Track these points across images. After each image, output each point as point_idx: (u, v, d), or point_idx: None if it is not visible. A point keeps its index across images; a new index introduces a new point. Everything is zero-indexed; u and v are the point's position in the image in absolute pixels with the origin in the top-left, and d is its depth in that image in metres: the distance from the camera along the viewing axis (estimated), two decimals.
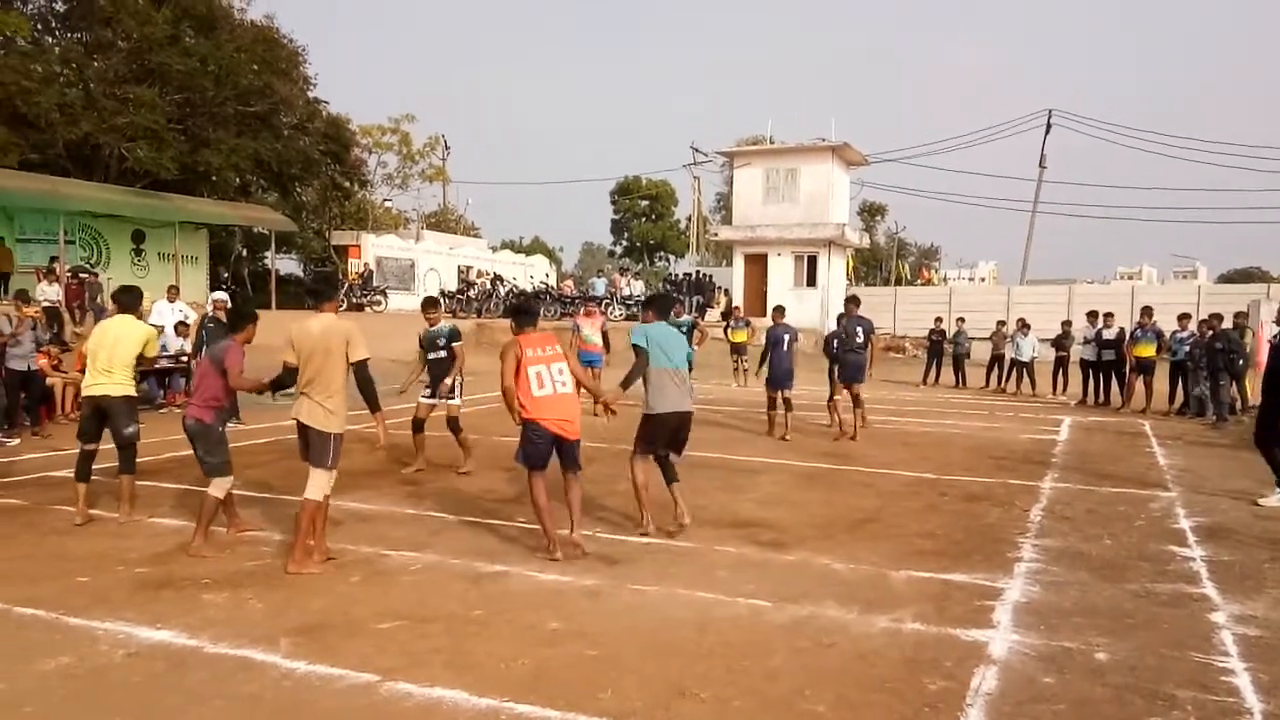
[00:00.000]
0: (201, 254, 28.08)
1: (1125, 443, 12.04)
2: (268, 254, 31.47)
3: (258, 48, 30.35)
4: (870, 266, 64.72)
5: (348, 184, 39.13)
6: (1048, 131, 42.14)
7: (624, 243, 72.19)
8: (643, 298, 31.20)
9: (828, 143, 32.70)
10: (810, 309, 30.48)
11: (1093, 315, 16.99)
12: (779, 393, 11.94)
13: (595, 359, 13.14)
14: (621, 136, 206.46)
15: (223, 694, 3.91)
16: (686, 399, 6.71)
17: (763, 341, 12.49)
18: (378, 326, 17.71)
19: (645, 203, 69.99)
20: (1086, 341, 16.89)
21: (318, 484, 5.69)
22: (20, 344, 10.74)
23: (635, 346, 6.62)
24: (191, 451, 6.42)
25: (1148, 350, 15.58)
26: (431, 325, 9.05)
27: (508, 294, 31.19)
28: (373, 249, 33.27)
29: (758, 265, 33.04)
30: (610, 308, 28.14)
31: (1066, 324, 19.55)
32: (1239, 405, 14.54)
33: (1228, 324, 14.54)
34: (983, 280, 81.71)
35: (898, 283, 50.26)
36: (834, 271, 33.05)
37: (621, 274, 35.63)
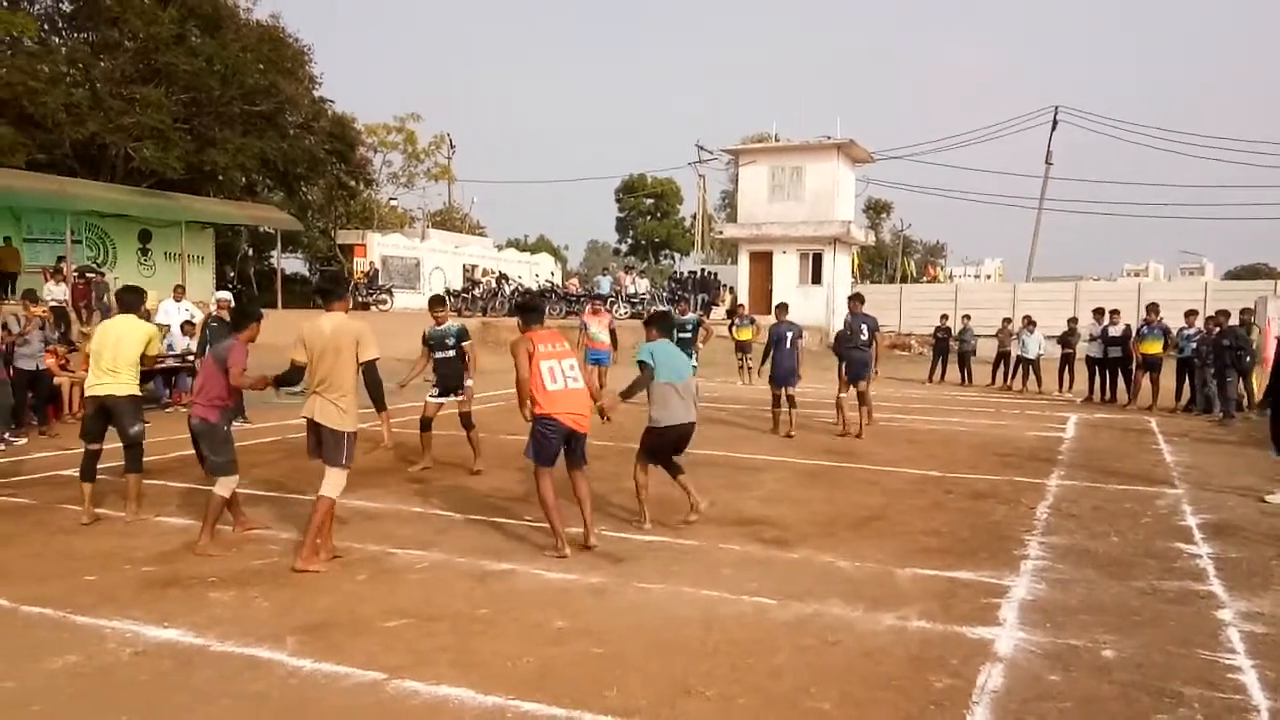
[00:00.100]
0: (208, 253, 28.12)
1: (1132, 440, 12.00)
2: (274, 253, 31.50)
3: (263, 47, 30.37)
4: (876, 264, 64.69)
5: (353, 183, 39.13)
6: (1054, 128, 42.09)
7: (629, 241, 72.21)
8: (648, 296, 31.54)
9: (833, 140, 32.63)
10: (816, 307, 30.45)
11: (1099, 312, 16.94)
12: (782, 390, 11.94)
13: (603, 356, 13.14)
14: (622, 137, 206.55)
15: (229, 692, 3.92)
16: (690, 410, 6.78)
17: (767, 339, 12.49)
18: (383, 325, 17.67)
19: (650, 201, 70.00)
20: (1093, 338, 16.84)
21: (334, 482, 5.74)
22: (29, 344, 10.79)
23: (641, 363, 6.65)
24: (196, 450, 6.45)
25: (1154, 347, 15.53)
26: (439, 324, 9.05)
27: (513, 292, 31.21)
28: (378, 248, 33.30)
29: (763, 263, 33.00)
30: (616, 306, 28.14)
31: (1073, 321, 19.51)
32: (1245, 402, 14.49)
33: (1234, 321, 14.49)
34: (988, 277, 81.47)
35: (903, 280, 50.21)
36: (839, 269, 33.00)
37: (626, 272, 35.64)
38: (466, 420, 9.05)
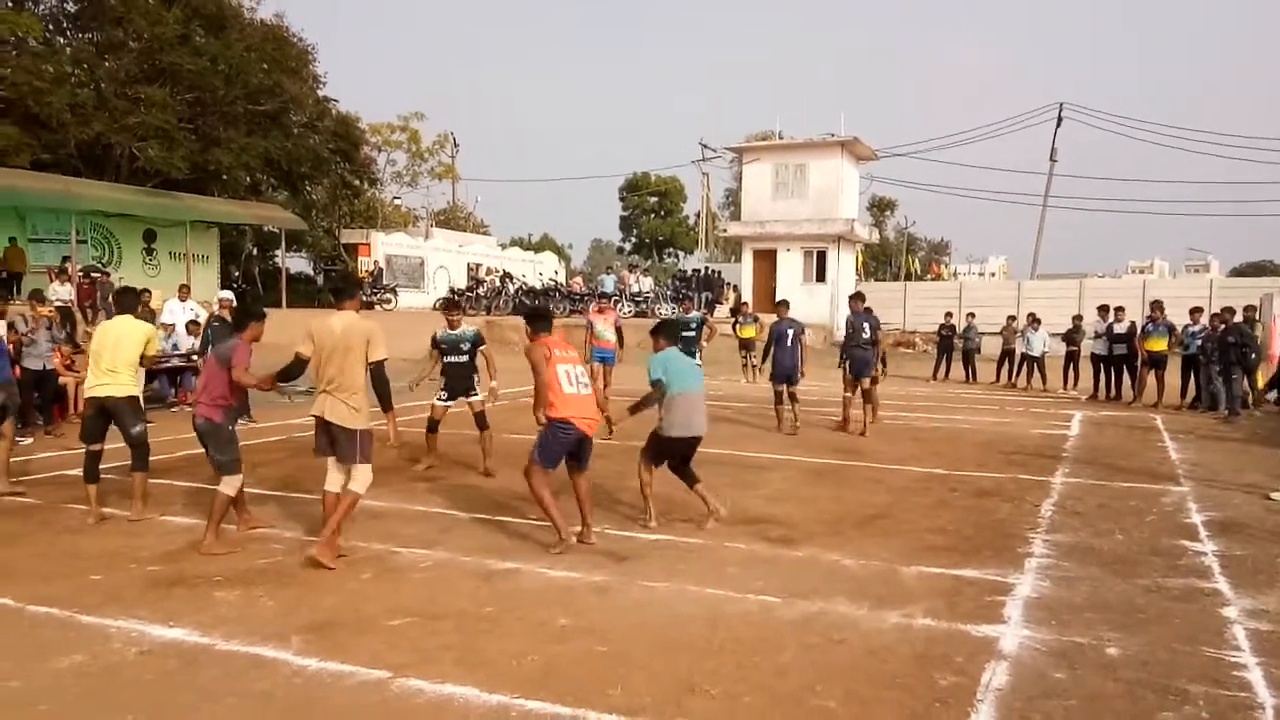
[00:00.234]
0: (212, 253, 28.17)
1: (1137, 437, 11.98)
2: (278, 252, 31.58)
3: (267, 47, 30.41)
4: (880, 262, 64.62)
5: (357, 182, 39.20)
6: (1059, 124, 42.03)
7: (633, 239, 72.23)
8: (652, 294, 31.51)
9: (837, 138, 32.61)
10: (820, 304, 30.43)
11: (1103, 309, 16.91)
12: (784, 387, 11.95)
13: (609, 355, 13.13)
14: (625, 135, 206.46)
15: (235, 691, 3.93)
16: (701, 422, 6.80)
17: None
18: (387, 325, 17.69)
19: (654, 199, 70.00)
20: (1098, 336, 16.80)
21: (362, 478, 5.85)
22: (36, 343, 10.82)
23: (654, 382, 6.66)
24: (203, 450, 6.47)
25: (1159, 344, 15.49)
26: (452, 328, 8.94)
27: (517, 291, 31.22)
28: (382, 247, 33.32)
29: (767, 261, 32.98)
30: (620, 304, 28.13)
31: (1078, 318, 19.48)
32: (1250, 399, 14.45)
33: (1239, 318, 14.45)
34: (993, 275, 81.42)
35: (908, 278, 50.14)
36: (843, 267, 32.98)
37: (630, 270, 35.63)
38: (481, 420, 8.98)
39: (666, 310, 27.85)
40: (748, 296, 29.66)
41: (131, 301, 7.37)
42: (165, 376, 13.80)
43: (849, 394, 12.22)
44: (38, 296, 11.93)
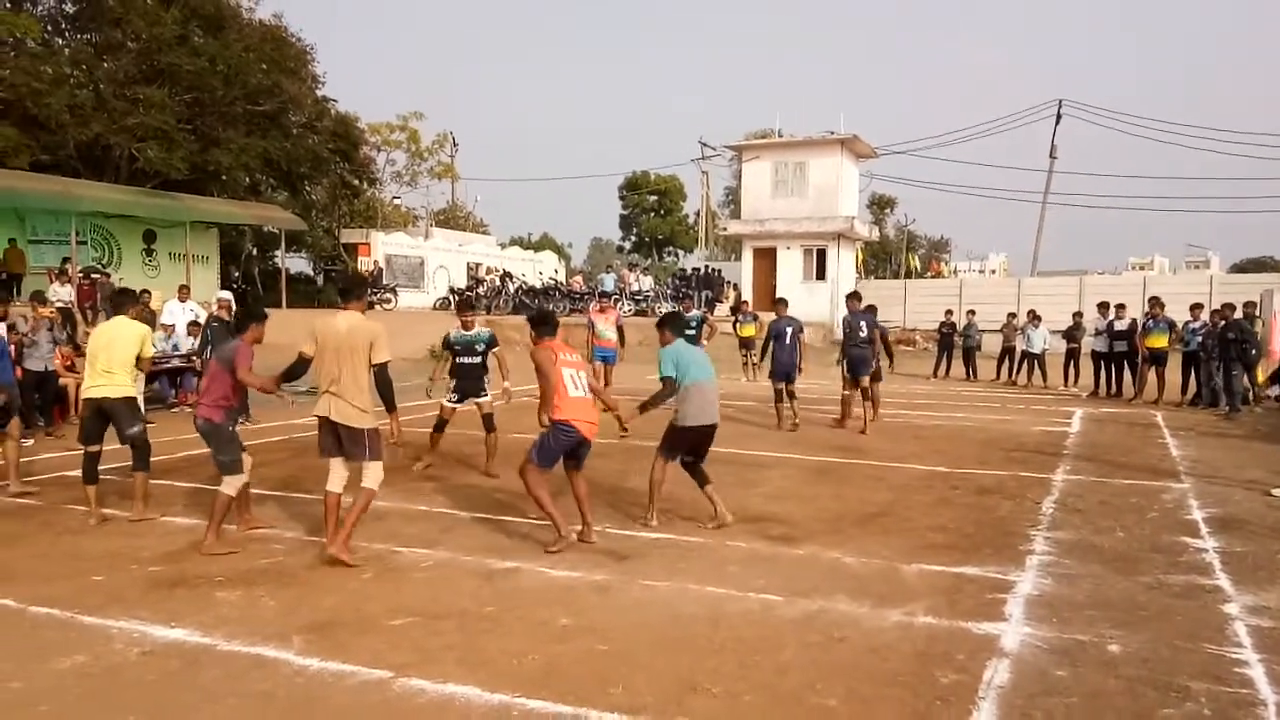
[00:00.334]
0: (212, 253, 28.18)
1: (1137, 434, 11.98)
2: (278, 253, 31.57)
3: (266, 47, 30.41)
4: (880, 259, 64.58)
5: (357, 182, 39.21)
6: (1058, 121, 41.97)
7: (633, 238, 72.20)
8: (652, 293, 31.51)
9: (836, 135, 32.57)
10: (820, 302, 30.42)
11: (1103, 306, 16.89)
12: (783, 385, 11.97)
13: (610, 355, 13.12)
14: (624, 135, 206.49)
15: (236, 691, 3.93)
16: (715, 411, 6.83)
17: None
18: (387, 324, 17.71)
19: (654, 198, 69.95)
20: (1098, 333, 16.80)
21: (373, 475, 5.88)
22: (38, 345, 10.82)
23: (666, 378, 6.69)
24: (205, 450, 6.48)
25: (1160, 341, 15.48)
26: (466, 329, 8.86)
27: (517, 291, 31.23)
28: (382, 247, 33.34)
29: (767, 259, 32.97)
30: (620, 303, 28.13)
31: (1078, 315, 19.47)
32: (1251, 395, 14.45)
33: (1239, 314, 14.45)
34: (993, 272, 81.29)
35: (908, 275, 50.09)
36: (843, 265, 32.96)
37: (630, 269, 35.64)
38: (489, 423, 8.90)
39: (667, 309, 27.85)
40: (748, 295, 29.65)
41: (124, 302, 7.38)
42: (166, 377, 13.80)
43: (847, 392, 12.24)
44: (39, 298, 11.94)
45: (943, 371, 21.24)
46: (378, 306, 28.81)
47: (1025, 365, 19.26)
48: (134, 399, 7.10)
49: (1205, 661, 4.26)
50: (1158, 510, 7.47)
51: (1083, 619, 4.83)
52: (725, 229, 38.46)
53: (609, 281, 32.43)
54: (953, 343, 21.34)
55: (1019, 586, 5.40)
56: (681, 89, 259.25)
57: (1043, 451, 10.44)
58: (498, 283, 32.30)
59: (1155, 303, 15.92)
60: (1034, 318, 19.31)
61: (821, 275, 32.14)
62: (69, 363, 11.85)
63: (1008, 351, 20.11)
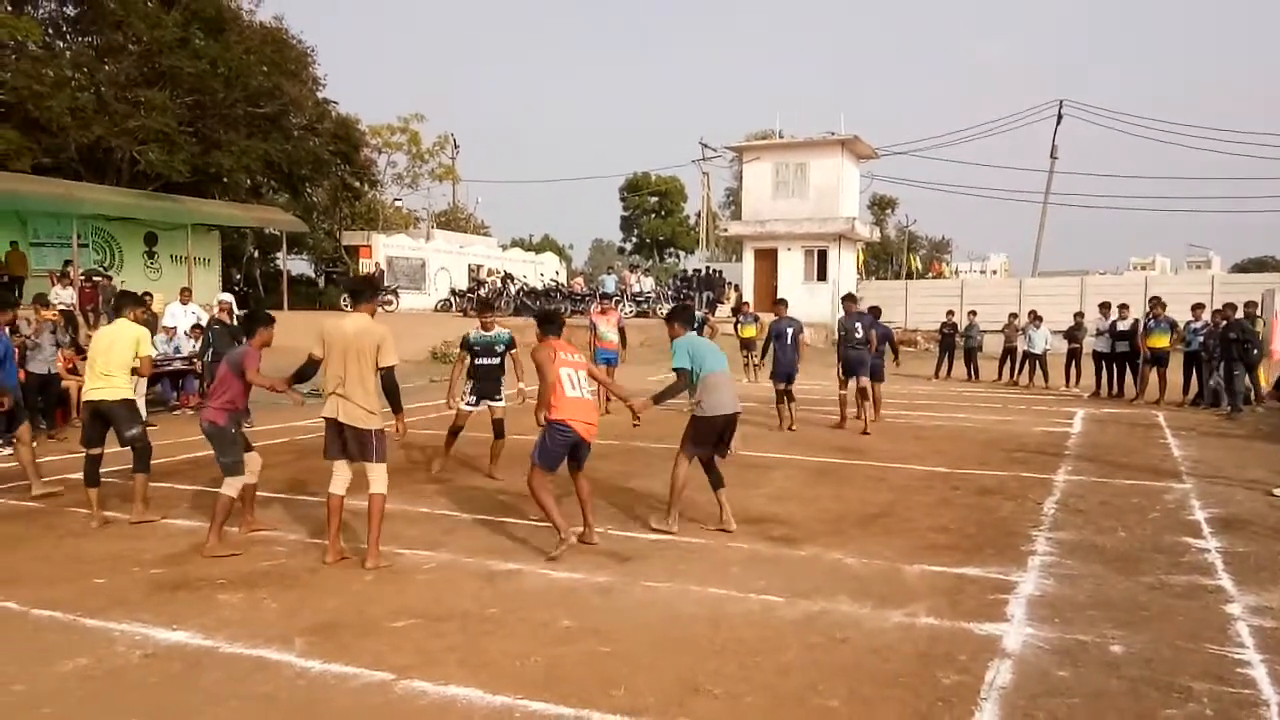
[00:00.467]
0: (214, 256, 28.19)
1: (1139, 434, 11.97)
2: (279, 255, 31.55)
3: (266, 49, 30.40)
4: (881, 260, 64.55)
5: (358, 184, 39.21)
6: (1059, 121, 41.94)
7: (634, 239, 72.21)
8: (653, 294, 31.51)
9: (837, 136, 32.60)
10: (821, 303, 30.40)
11: (1105, 306, 16.87)
12: (784, 386, 11.98)
13: (612, 356, 13.13)
14: (625, 136, 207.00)
15: (238, 694, 3.93)
16: (734, 400, 6.85)
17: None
18: (389, 326, 17.74)
19: (654, 199, 69.97)
20: (1099, 333, 16.78)
21: (379, 477, 5.89)
22: (40, 347, 10.84)
23: (678, 370, 6.69)
24: (207, 453, 6.49)
25: (1161, 341, 15.47)
26: (486, 330, 8.76)
27: (518, 292, 31.23)
28: (383, 249, 33.34)
29: (768, 260, 32.98)
30: (621, 304, 28.13)
31: (1079, 316, 19.45)
32: (1253, 395, 14.44)
33: (1240, 314, 14.43)
34: (994, 273, 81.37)
35: (909, 276, 50.08)
36: (844, 266, 32.96)
37: (631, 271, 35.65)
38: (499, 428, 8.78)
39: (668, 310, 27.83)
40: (749, 296, 29.66)
41: (123, 304, 7.40)
42: (168, 380, 13.80)
43: (844, 393, 12.26)
44: (41, 301, 11.96)
45: (944, 372, 21.23)
46: (380, 309, 28.81)
47: (1026, 366, 19.26)
48: (132, 401, 7.12)
49: (1207, 662, 4.26)
50: (1159, 510, 7.46)
51: (1085, 619, 4.82)
52: (726, 230, 38.48)
53: (610, 283, 32.43)
54: (954, 343, 21.32)
55: (1021, 587, 5.40)
56: (683, 89, 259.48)
57: (1044, 452, 10.44)
58: (499, 284, 32.31)
59: (1156, 303, 15.91)
60: (1035, 318, 19.30)
61: (822, 276, 32.15)
62: (71, 365, 11.87)
63: (1009, 352, 20.10)
